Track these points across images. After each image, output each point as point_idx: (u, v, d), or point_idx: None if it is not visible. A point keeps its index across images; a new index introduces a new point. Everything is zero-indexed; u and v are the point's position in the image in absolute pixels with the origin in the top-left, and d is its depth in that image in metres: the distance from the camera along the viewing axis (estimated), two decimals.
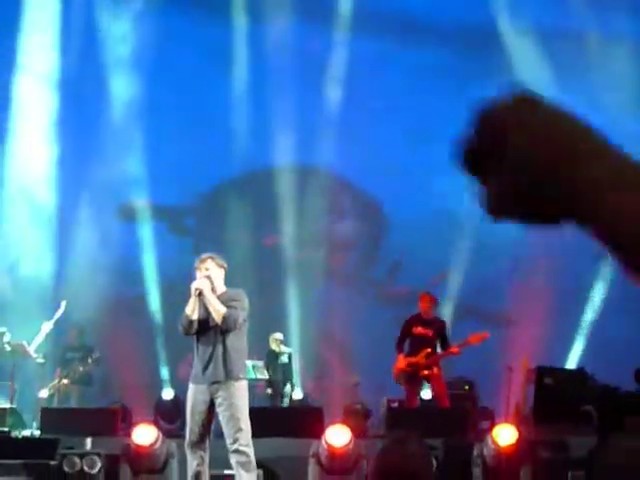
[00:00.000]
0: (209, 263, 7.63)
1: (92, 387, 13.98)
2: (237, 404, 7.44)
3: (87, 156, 16.34)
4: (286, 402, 13.16)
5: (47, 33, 16.53)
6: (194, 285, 7.50)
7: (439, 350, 11.10)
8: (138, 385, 15.68)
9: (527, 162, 0.97)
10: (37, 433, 10.54)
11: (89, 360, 13.49)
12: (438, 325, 11.22)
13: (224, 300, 7.53)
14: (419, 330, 11.07)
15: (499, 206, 1.00)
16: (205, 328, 7.56)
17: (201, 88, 16.67)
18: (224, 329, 7.47)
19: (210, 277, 7.56)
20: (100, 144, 16.46)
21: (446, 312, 15.11)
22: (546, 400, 4.07)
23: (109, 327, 15.56)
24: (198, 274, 7.60)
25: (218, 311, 7.44)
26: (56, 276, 16.06)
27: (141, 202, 16.70)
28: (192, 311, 7.51)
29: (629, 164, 0.97)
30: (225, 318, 7.43)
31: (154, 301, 16.21)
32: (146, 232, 16.57)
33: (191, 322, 7.53)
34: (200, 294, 7.46)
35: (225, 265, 7.77)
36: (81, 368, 13.41)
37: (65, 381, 13.25)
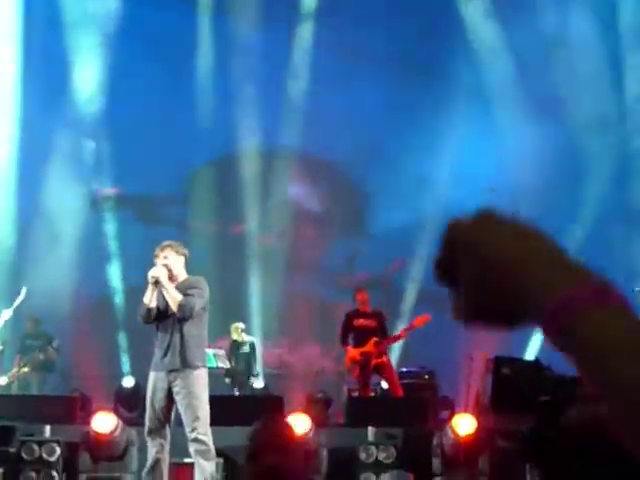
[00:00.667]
0: (168, 251, 7.58)
1: (52, 374, 13.93)
2: (195, 392, 7.42)
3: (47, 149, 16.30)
4: (248, 391, 13.15)
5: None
6: (151, 273, 7.46)
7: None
8: (98, 374, 15.64)
9: (476, 284, 1.04)
10: None
11: (49, 348, 13.44)
12: (378, 316, 11.42)
13: (183, 288, 7.50)
14: (360, 322, 11.29)
15: (462, 315, 1.07)
16: (164, 316, 7.53)
17: (167, 77, 16.59)
18: (180, 317, 7.44)
19: (168, 265, 7.52)
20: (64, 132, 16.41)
21: (408, 298, 15.25)
22: (503, 390, 4.09)
23: (69, 314, 15.53)
24: (157, 262, 7.56)
25: (174, 299, 7.41)
26: (16, 261, 15.99)
27: (107, 191, 16.66)
28: (149, 300, 7.48)
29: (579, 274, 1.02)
30: (181, 306, 7.40)
31: (117, 289, 16.20)
32: (111, 220, 16.54)
33: (149, 310, 7.49)
34: (157, 282, 7.43)
35: (186, 252, 7.72)
36: (41, 356, 13.36)
37: (25, 369, 13.18)
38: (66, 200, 16.39)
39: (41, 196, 16.41)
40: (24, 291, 12.52)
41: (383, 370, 11.24)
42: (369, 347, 11.11)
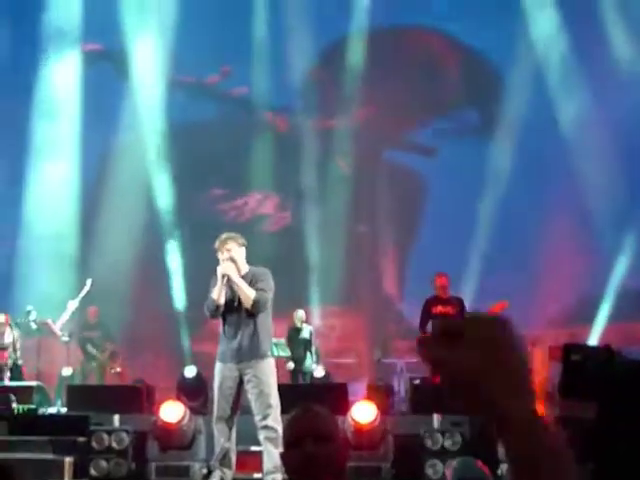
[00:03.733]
0: (230, 244, 7.61)
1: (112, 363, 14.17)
2: (266, 381, 7.50)
3: None
4: (308, 379, 13.24)
5: None
6: (221, 270, 7.48)
7: None
8: (159, 364, 15.84)
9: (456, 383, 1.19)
10: (63, 410, 10.65)
11: (106, 349, 13.75)
12: (456, 303, 11.28)
13: (249, 280, 7.55)
14: (439, 309, 11.14)
15: (446, 395, 1.20)
16: (231, 308, 7.60)
17: None
18: (254, 313, 7.50)
19: (234, 259, 7.57)
20: None
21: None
22: (573, 376, 4.07)
23: (131, 307, 15.74)
24: (220, 256, 7.57)
25: (248, 296, 7.45)
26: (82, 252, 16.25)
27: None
28: (219, 296, 7.53)
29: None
30: (255, 302, 7.45)
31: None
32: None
33: (218, 307, 7.56)
34: (228, 279, 7.49)
35: (245, 243, 7.76)
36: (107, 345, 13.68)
37: (105, 354, 13.48)
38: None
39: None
40: (89, 282, 12.72)
41: None
42: None
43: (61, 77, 16.91)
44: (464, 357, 1.15)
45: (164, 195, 16.75)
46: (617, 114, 15.63)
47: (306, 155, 16.79)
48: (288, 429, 3.05)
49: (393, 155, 17.47)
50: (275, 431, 7.33)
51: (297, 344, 13.42)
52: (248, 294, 7.46)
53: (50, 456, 8.72)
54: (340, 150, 17.03)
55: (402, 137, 17.28)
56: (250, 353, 7.51)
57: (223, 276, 7.48)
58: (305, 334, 13.53)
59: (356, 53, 16.90)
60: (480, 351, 1.15)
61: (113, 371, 13.64)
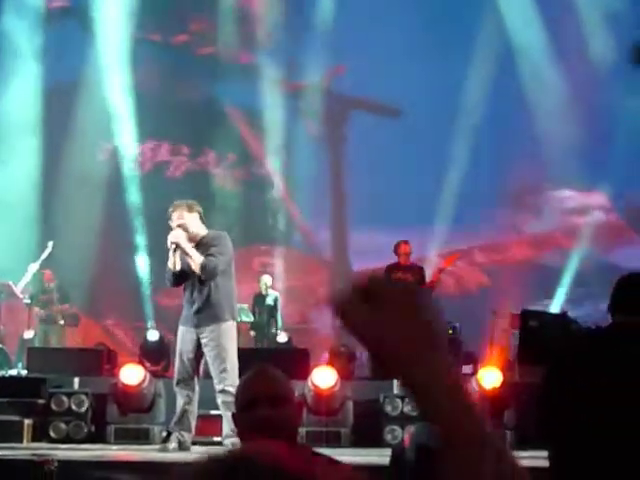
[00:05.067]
0: (179, 211, 7.57)
1: (72, 328, 14.10)
2: (223, 344, 7.49)
3: None
4: (271, 344, 13.26)
5: None
6: (170, 238, 7.47)
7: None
8: (122, 327, 15.83)
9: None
10: (24, 373, 10.60)
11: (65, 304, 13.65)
12: (417, 270, 11.32)
13: (203, 245, 7.51)
14: (399, 276, 11.17)
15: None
16: (188, 274, 7.57)
17: None
18: (204, 279, 7.48)
19: (183, 225, 7.52)
20: None
21: None
22: (531, 342, 4.14)
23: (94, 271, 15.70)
24: (172, 224, 7.56)
25: (195, 262, 7.43)
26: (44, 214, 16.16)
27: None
28: (174, 264, 7.51)
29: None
30: (203, 268, 7.42)
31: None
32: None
33: (175, 275, 7.55)
34: (177, 246, 7.46)
35: (199, 208, 7.71)
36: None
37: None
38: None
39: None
40: (51, 244, 12.63)
41: None
42: None
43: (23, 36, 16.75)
44: (384, 324, 1.14)
45: (129, 151, 16.71)
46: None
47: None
48: (241, 391, 3.03)
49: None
50: (231, 395, 7.29)
51: (262, 310, 13.43)
52: (196, 260, 7.42)
53: (10, 417, 8.67)
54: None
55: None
56: (207, 317, 7.50)
57: (171, 243, 7.45)
58: (270, 301, 13.54)
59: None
60: (399, 319, 1.14)
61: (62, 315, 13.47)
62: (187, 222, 7.54)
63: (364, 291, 1.15)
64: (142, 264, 16.22)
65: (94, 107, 16.58)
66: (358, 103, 17.22)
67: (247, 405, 2.90)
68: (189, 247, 7.46)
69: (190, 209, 7.61)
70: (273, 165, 17.00)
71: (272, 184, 17.04)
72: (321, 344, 14.26)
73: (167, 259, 7.58)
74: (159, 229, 15.21)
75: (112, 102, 16.59)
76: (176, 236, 7.45)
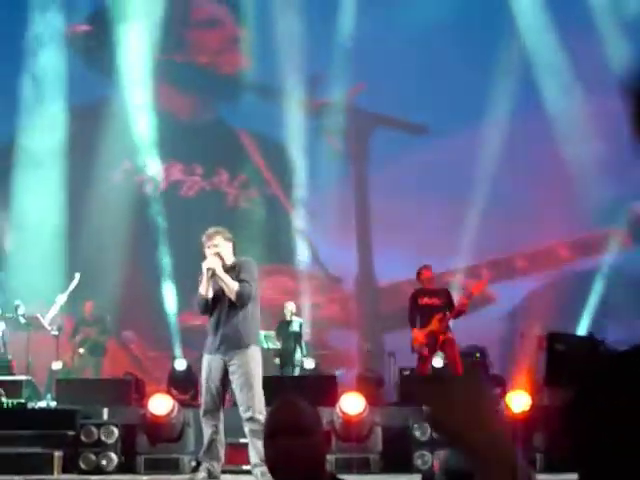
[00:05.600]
0: (217, 239, 7.63)
1: (104, 357, 14.19)
2: (250, 372, 7.49)
3: None
4: (297, 371, 13.25)
5: None
6: (205, 265, 7.50)
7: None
8: (149, 357, 15.88)
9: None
10: (53, 404, 10.65)
11: (105, 332, 13.79)
12: (443, 293, 11.30)
13: (234, 272, 7.57)
14: (425, 301, 11.15)
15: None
16: (217, 301, 7.61)
17: None
18: (239, 305, 7.52)
19: (219, 254, 7.58)
20: None
21: None
22: (557, 366, 4.12)
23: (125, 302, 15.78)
24: (207, 251, 7.60)
25: (231, 289, 7.47)
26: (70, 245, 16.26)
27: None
28: (206, 291, 7.55)
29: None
30: (239, 295, 7.47)
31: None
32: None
33: (206, 301, 7.58)
34: (213, 274, 7.50)
35: (232, 238, 7.77)
36: (96, 336, 13.68)
37: (81, 350, 13.45)
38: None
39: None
40: (78, 276, 12.71)
41: (448, 346, 11.08)
42: (433, 325, 10.95)
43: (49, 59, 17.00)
44: (449, 415, 1.43)
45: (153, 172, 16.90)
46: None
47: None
48: (267, 421, 3.06)
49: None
50: (259, 423, 7.28)
51: (287, 337, 13.43)
52: (232, 287, 7.48)
53: (39, 450, 8.72)
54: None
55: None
56: (234, 344, 7.52)
57: (208, 270, 7.50)
58: (295, 327, 13.54)
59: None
60: (463, 413, 1.41)
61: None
62: (223, 251, 7.61)
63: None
64: (168, 289, 16.29)
65: (117, 131, 16.73)
66: (383, 120, 17.24)
67: (270, 435, 2.93)
68: (224, 274, 7.51)
69: (226, 237, 7.67)
70: (294, 197, 17.00)
71: (293, 216, 17.02)
72: (349, 369, 14.26)
73: (198, 284, 7.62)
74: (179, 249, 15.61)
75: (135, 124, 16.74)
76: (212, 263, 7.49)
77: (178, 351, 15.55)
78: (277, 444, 2.85)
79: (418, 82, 16.25)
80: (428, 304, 11.10)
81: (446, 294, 11.31)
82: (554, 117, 16.20)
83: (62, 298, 12.48)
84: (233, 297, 7.49)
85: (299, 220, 16.87)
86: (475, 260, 15.90)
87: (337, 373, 13.82)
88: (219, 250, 7.57)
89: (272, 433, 2.90)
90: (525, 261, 16.48)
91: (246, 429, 7.47)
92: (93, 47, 17.31)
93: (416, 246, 14.85)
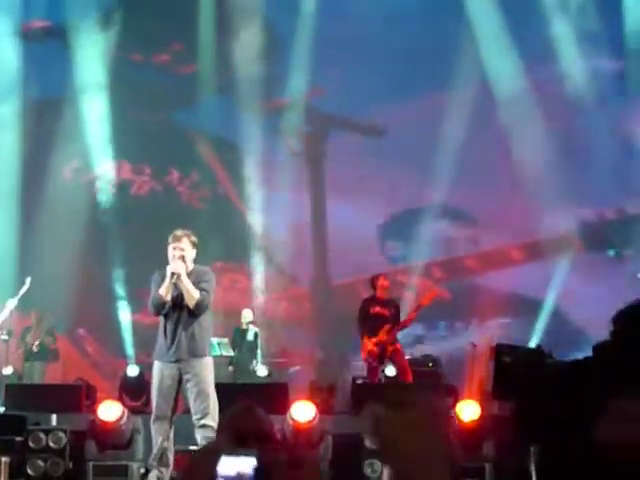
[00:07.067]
0: (184, 242, 7.58)
1: (55, 363, 14.08)
2: (205, 380, 7.51)
3: None
4: (251, 379, 13.23)
5: None
6: (171, 269, 7.45)
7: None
8: (102, 363, 15.76)
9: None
10: (1, 410, 10.53)
11: (50, 338, 13.71)
12: (393, 305, 11.41)
13: (193, 280, 7.53)
14: (377, 310, 11.25)
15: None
16: (174, 306, 7.57)
17: None
18: (196, 313, 7.50)
19: (184, 258, 7.54)
20: None
21: None
22: (503, 378, 4.19)
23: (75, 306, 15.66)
24: (170, 251, 7.55)
25: (192, 297, 7.45)
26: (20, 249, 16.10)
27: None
28: (166, 293, 7.50)
29: None
30: (198, 303, 7.46)
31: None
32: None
33: (164, 303, 7.53)
34: (177, 278, 7.46)
35: (197, 242, 7.72)
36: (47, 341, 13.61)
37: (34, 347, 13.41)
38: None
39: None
40: (28, 281, 12.58)
41: (396, 357, 11.20)
42: (382, 336, 11.06)
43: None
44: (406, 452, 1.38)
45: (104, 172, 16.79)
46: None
47: None
48: (227, 428, 3.05)
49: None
50: (213, 430, 7.31)
51: (242, 346, 13.40)
52: (193, 295, 7.45)
53: None
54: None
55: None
56: (189, 352, 7.50)
57: (173, 274, 7.45)
58: (250, 336, 13.52)
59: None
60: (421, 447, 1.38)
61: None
62: (187, 255, 7.56)
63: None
64: (120, 288, 16.18)
65: (71, 128, 16.61)
66: (340, 122, 17.28)
67: (238, 440, 2.92)
68: (188, 281, 7.48)
69: (192, 242, 7.62)
70: (248, 196, 16.95)
71: (247, 215, 16.99)
72: (302, 368, 14.26)
73: (153, 283, 7.58)
74: (132, 248, 15.50)
75: (88, 123, 16.62)
76: (178, 267, 7.45)
77: (131, 353, 15.49)
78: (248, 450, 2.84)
79: (375, 79, 16.31)
80: (379, 314, 11.18)
81: (395, 307, 11.44)
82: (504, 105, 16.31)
83: (12, 303, 12.34)
84: (192, 305, 7.46)
85: (253, 219, 16.83)
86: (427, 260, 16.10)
87: (290, 371, 13.88)
88: (184, 254, 7.53)
89: (240, 438, 2.88)
90: (476, 262, 16.63)
91: (198, 436, 7.46)
92: (51, 43, 17.20)
93: (371, 248, 14.92)
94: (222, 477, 1.97)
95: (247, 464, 2.02)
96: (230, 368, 13.17)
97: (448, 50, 15.92)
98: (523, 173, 15.64)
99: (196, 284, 7.52)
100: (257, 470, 2.26)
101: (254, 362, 13.34)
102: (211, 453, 2.25)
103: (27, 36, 17.12)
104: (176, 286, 7.51)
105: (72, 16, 16.96)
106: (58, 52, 17.02)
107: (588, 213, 16.15)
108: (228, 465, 1.94)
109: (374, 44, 16.27)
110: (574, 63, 16.33)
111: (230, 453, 2.02)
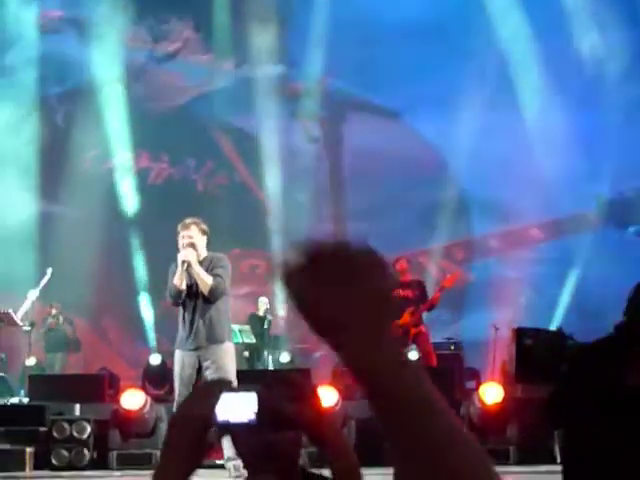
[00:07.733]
0: (193, 230, 7.57)
1: (76, 354, 14.15)
2: (224, 367, 7.47)
3: None
4: (271, 365, 13.24)
5: None
6: (181, 257, 7.44)
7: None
8: (125, 351, 15.80)
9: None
10: (25, 400, 10.58)
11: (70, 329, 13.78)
12: (417, 285, 11.30)
13: (207, 266, 7.52)
14: (398, 293, 11.12)
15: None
16: (189, 294, 7.56)
17: None
18: (212, 300, 7.49)
19: (194, 245, 7.53)
20: None
21: None
22: (525, 360, 4.15)
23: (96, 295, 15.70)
24: (180, 240, 7.55)
25: (206, 283, 7.43)
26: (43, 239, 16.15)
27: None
28: (180, 282, 7.50)
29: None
30: (213, 289, 7.44)
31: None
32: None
33: (180, 292, 7.52)
34: (188, 267, 7.46)
35: (207, 230, 7.72)
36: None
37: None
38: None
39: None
40: (49, 271, 12.61)
41: (420, 340, 11.09)
42: (405, 318, 10.94)
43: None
44: (322, 287, 1.05)
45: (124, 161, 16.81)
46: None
47: None
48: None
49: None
50: None
51: (259, 332, 13.40)
52: (206, 281, 7.44)
53: (11, 446, 8.67)
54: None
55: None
56: (208, 339, 7.49)
57: (183, 262, 7.45)
58: (266, 324, 13.50)
59: None
60: (339, 282, 1.05)
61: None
62: (197, 242, 7.55)
63: (310, 256, 1.07)
64: (142, 276, 16.19)
65: (89, 119, 16.64)
66: (356, 105, 17.23)
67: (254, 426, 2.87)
68: (200, 268, 7.47)
69: (201, 229, 7.62)
70: (267, 189, 16.92)
71: (265, 202, 16.96)
72: (325, 363, 14.22)
73: (170, 274, 7.58)
74: (151, 236, 15.50)
75: (107, 113, 16.65)
76: (188, 255, 7.44)
77: (153, 342, 15.51)
78: (263, 436, 2.81)
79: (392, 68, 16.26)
80: (402, 296, 11.08)
81: (420, 286, 11.31)
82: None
83: (34, 294, 12.37)
84: (206, 291, 7.45)
85: (271, 206, 16.79)
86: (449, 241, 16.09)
87: (314, 357, 13.86)
88: (193, 242, 7.53)
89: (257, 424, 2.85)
90: (496, 242, 16.59)
91: None
92: (68, 33, 17.25)
93: (390, 233, 14.84)
94: (220, 423, 1.87)
95: (248, 406, 1.93)
96: (246, 353, 13.17)
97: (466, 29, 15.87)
98: (542, 153, 15.55)
99: (210, 270, 7.50)
100: (259, 413, 2.18)
101: (267, 348, 13.35)
102: (209, 393, 2.16)
103: (45, 26, 17.16)
104: (189, 274, 7.50)
105: (88, 6, 16.97)
106: (75, 42, 17.04)
107: (608, 191, 16.05)
108: (227, 407, 1.85)
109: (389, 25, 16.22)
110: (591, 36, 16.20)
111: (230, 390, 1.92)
